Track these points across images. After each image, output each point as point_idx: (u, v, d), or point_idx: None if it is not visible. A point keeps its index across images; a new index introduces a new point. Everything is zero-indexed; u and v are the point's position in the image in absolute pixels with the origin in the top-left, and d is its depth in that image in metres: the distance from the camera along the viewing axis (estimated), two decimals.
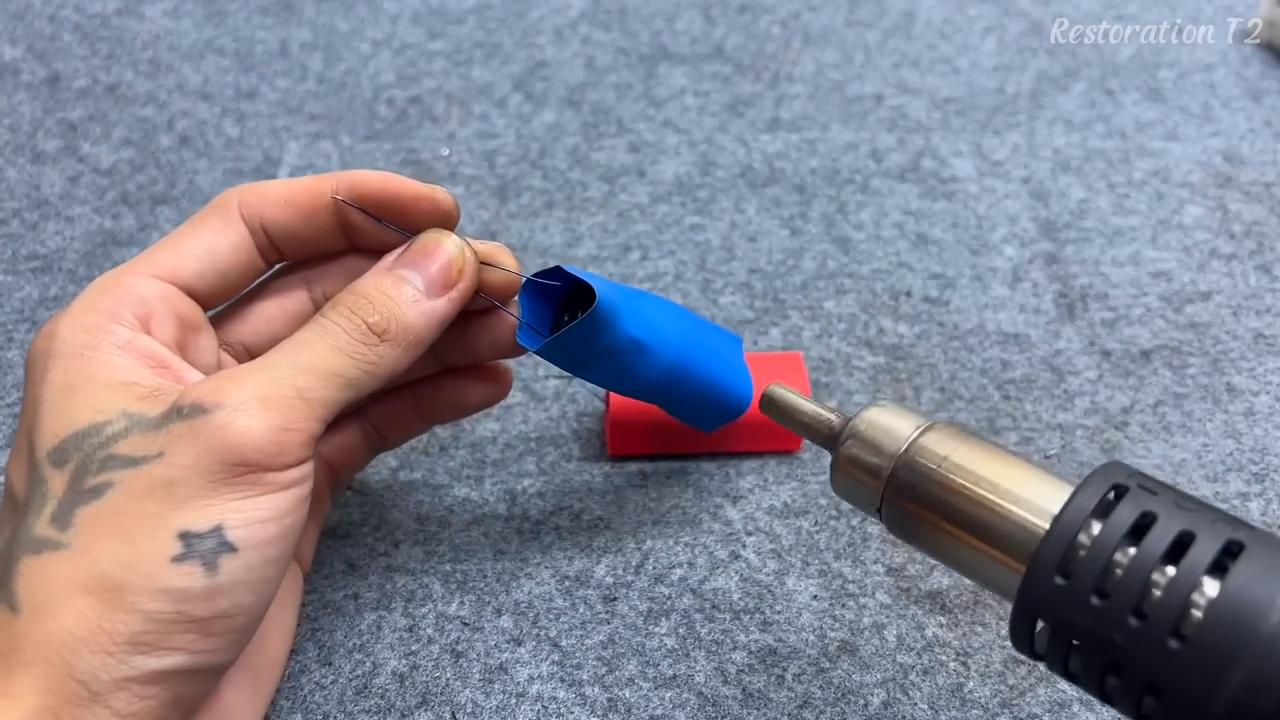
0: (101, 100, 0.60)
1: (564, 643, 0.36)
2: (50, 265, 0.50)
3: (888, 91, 0.61)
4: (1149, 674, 0.23)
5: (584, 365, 0.33)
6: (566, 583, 0.38)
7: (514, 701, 0.34)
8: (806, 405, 0.32)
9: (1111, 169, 0.56)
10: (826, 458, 0.41)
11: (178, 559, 0.25)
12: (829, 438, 0.31)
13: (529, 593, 0.37)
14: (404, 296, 0.30)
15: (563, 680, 0.35)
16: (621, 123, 0.59)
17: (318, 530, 0.36)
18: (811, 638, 0.36)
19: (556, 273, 0.32)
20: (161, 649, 0.25)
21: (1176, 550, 0.23)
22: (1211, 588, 0.22)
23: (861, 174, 0.55)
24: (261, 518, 0.26)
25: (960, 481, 0.27)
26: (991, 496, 0.27)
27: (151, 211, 0.53)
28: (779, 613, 0.37)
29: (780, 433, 0.40)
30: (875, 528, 0.39)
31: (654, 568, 0.38)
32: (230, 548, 0.26)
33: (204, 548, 0.26)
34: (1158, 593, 0.23)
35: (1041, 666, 0.33)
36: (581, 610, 0.37)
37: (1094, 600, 0.24)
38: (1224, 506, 0.40)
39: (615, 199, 0.54)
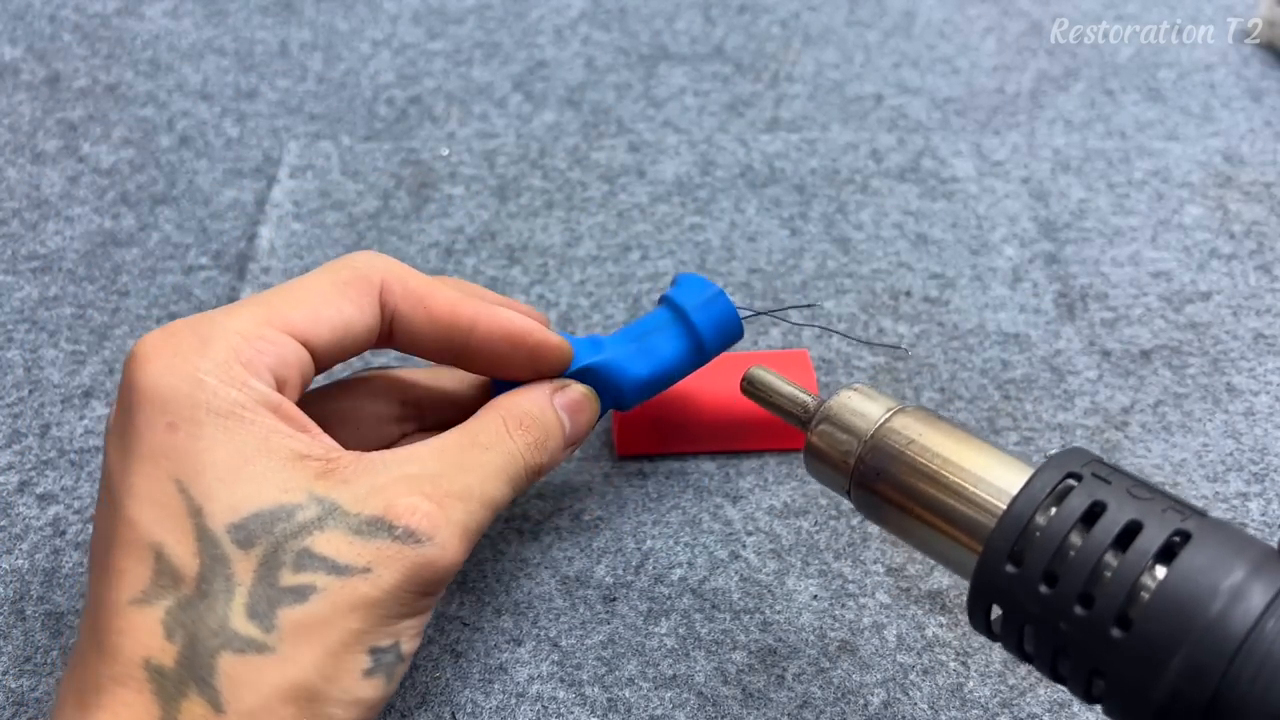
0: (101, 100, 0.60)
1: (564, 643, 0.36)
2: (50, 265, 0.50)
3: (888, 91, 0.61)
4: (1093, 661, 0.23)
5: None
6: (566, 583, 0.38)
7: (514, 701, 0.34)
8: (784, 387, 0.33)
9: (1111, 169, 0.56)
10: None
11: (368, 673, 0.27)
12: (803, 420, 0.32)
13: (529, 593, 0.37)
14: (560, 439, 0.33)
15: (563, 680, 0.35)
16: (621, 123, 0.59)
17: None
18: (811, 638, 0.36)
19: None
20: None
21: (1126, 539, 0.23)
22: (1157, 577, 0.23)
23: (861, 174, 0.55)
24: (419, 632, 0.29)
25: (925, 463, 0.28)
26: (954, 479, 0.27)
27: (151, 211, 0.53)
28: (779, 613, 0.37)
29: (783, 430, 0.40)
30: (875, 527, 0.39)
31: (654, 568, 0.38)
32: (402, 660, 0.28)
33: (386, 661, 0.27)
34: (1104, 581, 0.23)
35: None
36: (581, 610, 0.37)
37: (1043, 588, 0.24)
38: (1224, 506, 0.40)
39: (615, 199, 0.54)
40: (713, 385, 0.40)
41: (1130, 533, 0.23)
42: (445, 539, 0.27)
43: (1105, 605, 0.23)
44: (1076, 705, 0.34)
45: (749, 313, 0.38)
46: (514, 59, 0.64)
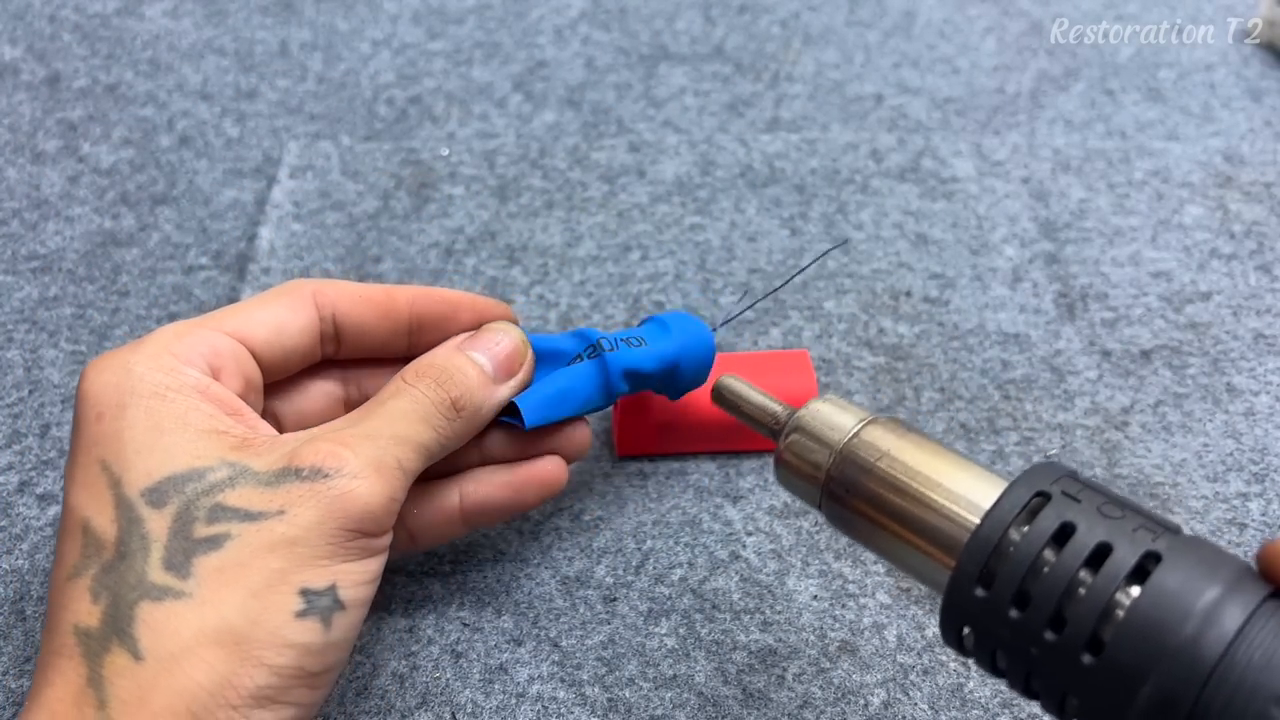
0: (101, 100, 0.60)
1: (564, 643, 0.36)
2: (50, 265, 0.50)
3: (888, 91, 0.61)
4: (1064, 686, 0.23)
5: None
6: (566, 583, 0.38)
7: (514, 702, 0.34)
8: (755, 396, 0.33)
9: (1111, 169, 0.56)
10: None
11: (300, 614, 0.26)
12: (774, 430, 0.31)
13: (529, 593, 0.37)
14: (476, 376, 0.32)
15: (563, 680, 0.35)
16: (621, 123, 0.59)
17: None
18: (812, 638, 0.36)
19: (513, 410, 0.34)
20: (279, 703, 0.26)
21: (1096, 560, 0.23)
22: (1128, 600, 0.22)
23: (861, 174, 0.55)
24: (363, 579, 0.28)
25: (897, 477, 0.27)
26: (927, 493, 0.26)
27: (151, 211, 0.53)
28: (779, 613, 0.37)
29: None
30: None
31: (654, 568, 0.38)
32: (340, 606, 0.27)
33: (321, 605, 0.27)
34: (1074, 606, 0.23)
35: None
36: (582, 610, 0.37)
37: (1013, 612, 0.23)
38: (1224, 506, 0.40)
39: (615, 199, 0.54)
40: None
41: (1100, 555, 0.23)
42: (355, 469, 0.28)
43: (1075, 630, 0.22)
44: None
45: (717, 327, 0.38)
46: (514, 59, 0.64)
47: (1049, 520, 0.24)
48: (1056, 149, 0.57)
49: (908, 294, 0.49)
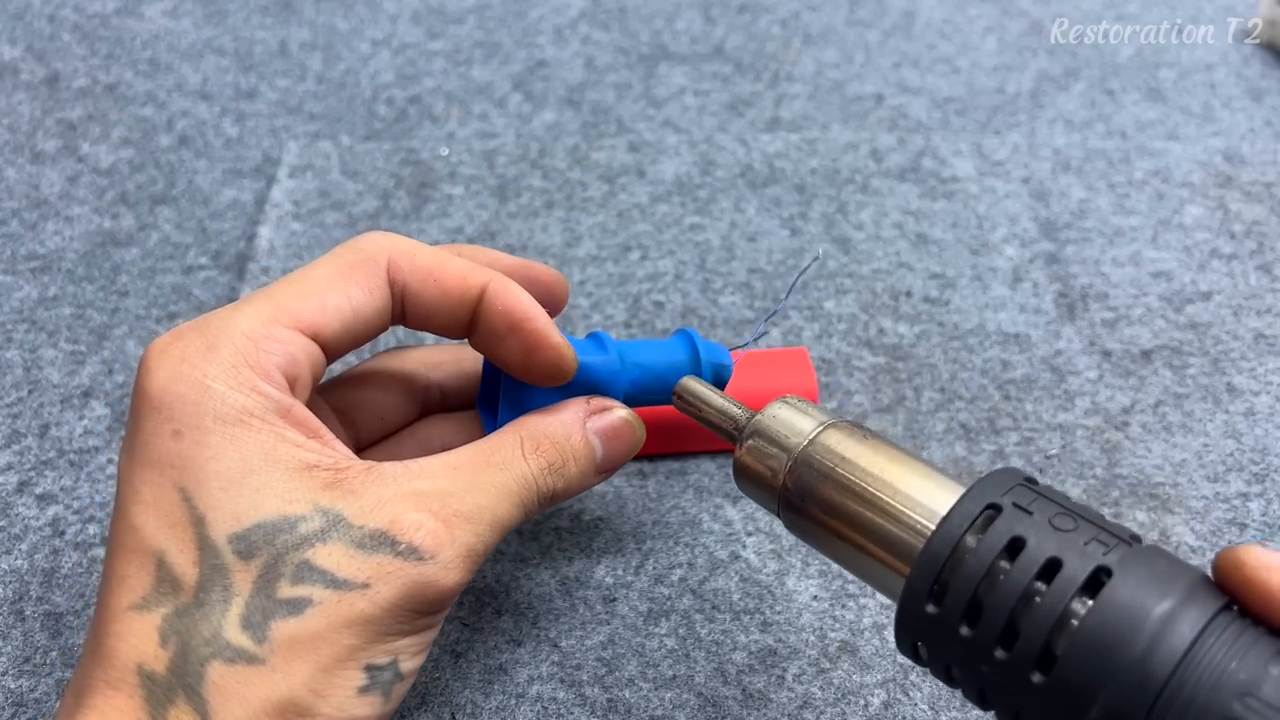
0: (101, 100, 0.60)
1: (564, 643, 0.36)
2: (50, 265, 0.50)
3: (888, 91, 0.61)
4: (1016, 705, 0.22)
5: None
6: (566, 583, 0.38)
7: (514, 702, 0.34)
8: (714, 399, 0.31)
9: (1112, 169, 0.56)
10: None
11: (363, 690, 0.26)
12: (732, 435, 0.30)
13: (529, 593, 0.37)
14: (587, 464, 0.31)
15: (562, 681, 0.35)
16: (621, 123, 0.59)
17: None
18: (812, 638, 0.36)
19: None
20: None
21: (1046, 575, 0.22)
22: (1078, 617, 0.22)
23: (861, 174, 0.55)
24: (422, 650, 0.28)
25: (854, 483, 0.26)
26: (882, 500, 0.26)
27: (151, 211, 0.53)
28: (779, 613, 0.37)
29: None
30: None
31: (654, 568, 0.38)
32: (400, 678, 0.27)
33: (383, 679, 0.26)
34: (1023, 622, 0.22)
35: None
36: (581, 611, 0.37)
37: (963, 629, 0.23)
38: (1224, 506, 0.40)
39: (615, 199, 0.54)
40: None
41: (1051, 569, 0.22)
42: (449, 558, 0.27)
43: (1025, 648, 0.22)
44: None
45: (743, 346, 0.37)
46: (514, 59, 0.64)
47: (999, 534, 0.23)
48: (1057, 149, 0.57)
49: (908, 294, 0.48)
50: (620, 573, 0.38)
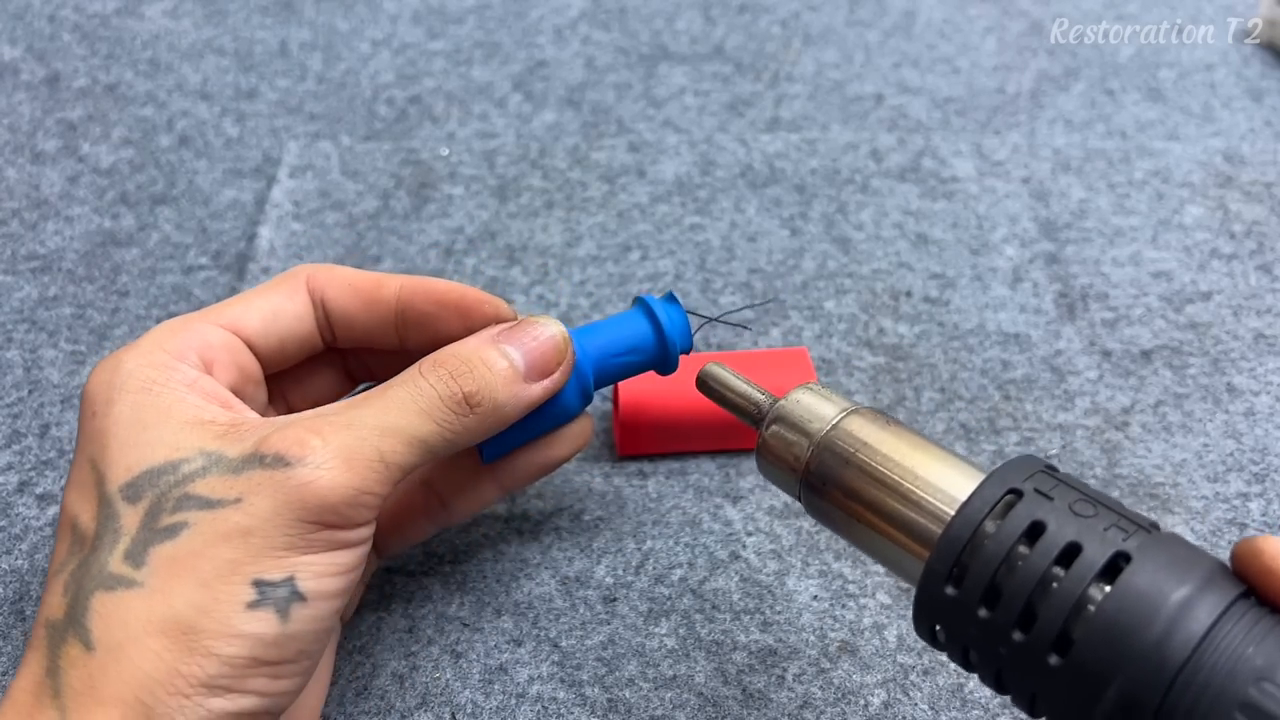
0: (101, 100, 0.60)
1: (564, 643, 0.36)
2: (50, 265, 0.50)
3: (888, 91, 0.61)
4: (1032, 686, 0.23)
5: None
6: (566, 583, 0.38)
7: (514, 702, 0.34)
8: (738, 384, 0.32)
9: (1112, 169, 0.56)
10: None
11: (252, 605, 0.26)
12: (756, 419, 0.31)
13: (529, 593, 0.37)
14: (503, 372, 0.31)
15: (563, 681, 0.35)
16: (621, 123, 0.59)
17: (363, 586, 0.36)
18: (812, 638, 0.36)
19: None
20: (235, 692, 0.26)
21: (1066, 560, 0.23)
22: (1097, 601, 0.22)
23: (861, 174, 0.55)
24: (329, 571, 0.27)
25: (875, 468, 0.27)
26: (903, 485, 0.26)
27: (151, 211, 0.53)
28: (779, 613, 0.37)
29: None
30: None
31: (654, 568, 0.38)
32: (300, 597, 0.27)
33: (277, 596, 0.26)
34: (1042, 606, 0.22)
35: None
36: (581, 611, 0.37)
37: (982, 612, 0.23)
38: (1224, 506, 0.40)
39: (615, 199, 0.54)
40: None
41: (1070, 554, 0.23)
42: (320, 460, 0.27)
43: (1043, 631, 0.22)
44: None
45: (700, 320, 0.37)
46: (514, 59, 0.64)
47: (1019, 519, 0.23)
48: (1057, 149, 0.57)
49: (908, 294, 0.48)
50: (620, 573, 0.38)
